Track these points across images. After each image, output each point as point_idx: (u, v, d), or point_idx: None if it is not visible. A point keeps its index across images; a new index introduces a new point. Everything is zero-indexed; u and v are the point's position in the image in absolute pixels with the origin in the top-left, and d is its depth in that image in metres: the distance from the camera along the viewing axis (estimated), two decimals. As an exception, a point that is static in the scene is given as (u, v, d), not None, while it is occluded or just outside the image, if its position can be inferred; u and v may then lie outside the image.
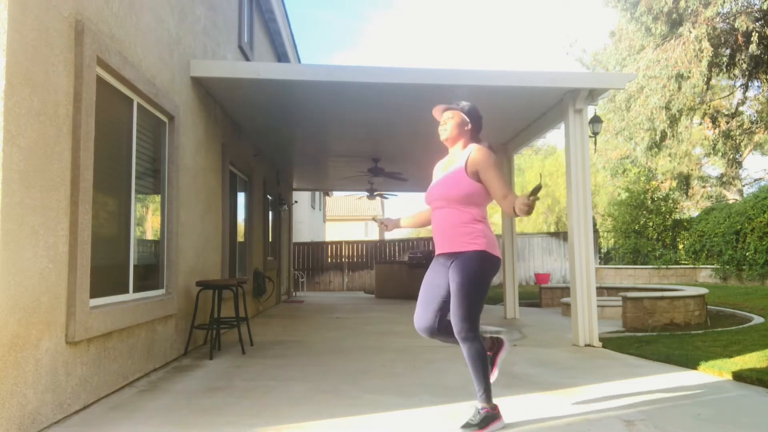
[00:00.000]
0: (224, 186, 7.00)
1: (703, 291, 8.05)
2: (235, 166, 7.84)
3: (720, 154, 20.05)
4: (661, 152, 17.46)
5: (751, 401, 3.59)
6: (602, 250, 18.69)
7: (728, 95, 19.66)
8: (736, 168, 22.72)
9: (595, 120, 11.01)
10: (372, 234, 35.05)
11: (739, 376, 4.15)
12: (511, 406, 3.45)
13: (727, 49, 14.43)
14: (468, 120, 3.17)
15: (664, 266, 15.09)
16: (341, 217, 35.45)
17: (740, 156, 22.37)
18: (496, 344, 3.33)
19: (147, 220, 4.80)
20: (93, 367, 3.56)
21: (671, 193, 18.73)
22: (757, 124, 19.55)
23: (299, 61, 12.10)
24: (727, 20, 13.96)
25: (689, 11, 13.82)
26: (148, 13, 4.52)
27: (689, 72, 13.73)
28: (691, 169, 22.79)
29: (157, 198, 4.99)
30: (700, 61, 13.54)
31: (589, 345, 5.82)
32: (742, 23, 13.03)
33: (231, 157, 7.39)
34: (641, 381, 4.18)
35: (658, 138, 15.47)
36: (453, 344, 3.20)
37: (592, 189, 19.30)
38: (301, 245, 18.94)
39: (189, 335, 5.43)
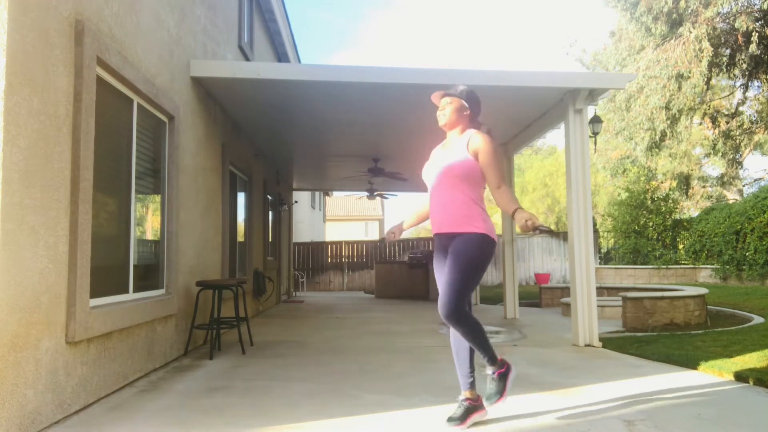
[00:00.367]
0: (224, 186, 7.00)
1: (703, 291, 8.05)
2: (235, 166, 7.84)
3: (720, 154, 20.05)
4: (661, 152, 17.45)
5: (751, 401, 3.59)
6: (602, 250, 18.69)
7: (728, 95, 19.66)
8: (736, 168, 22.72)
9: (595, 120, 11.02)
10: (372, 234, 35.06)
11: (740, 376, 4.15)
12: (511, 406, 3.44)
13: (727, 49, 14.43)
14: (467, 105, 3.17)
15: (664, 266, 15.09)
16: (341, 217, 35.46)
17: (740, 156, 22.36)
18: (507, 365, 3.22)
19: (147, 220, 4.80)
20: (93, 367, 3.56)
21: (671, 193, 18.73)
22: (757, 124, 19.55)
23: (299, 61, 12.10)
24: (727, 20, 13.97)
25: (689, 11, 13.83)
26: (148, 13, 4.52)
27: (689, 72, 13.73)
28: (691, 169, 22.79)
29: (157, 198, 4.99)
30: (700, 61, 13.55)
31: (589, 345, 5.82)
32: (742, 23, 13.03)
33: (231, 157, 7.39)
34: (641, 381, 4.17)
35: (658, 138, 15.47)
36: (461, 359, 3.15)
37: (592, 189, 19.32)
38: (301, 245, 18.94)
39: (189, 335, 5.43)
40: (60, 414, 3.17)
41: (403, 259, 17.24)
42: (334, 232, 32.29)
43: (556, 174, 31.20)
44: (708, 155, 23.26)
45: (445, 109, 3.17)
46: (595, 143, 14.32)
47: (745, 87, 16.02)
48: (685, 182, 22.37)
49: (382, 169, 10.73)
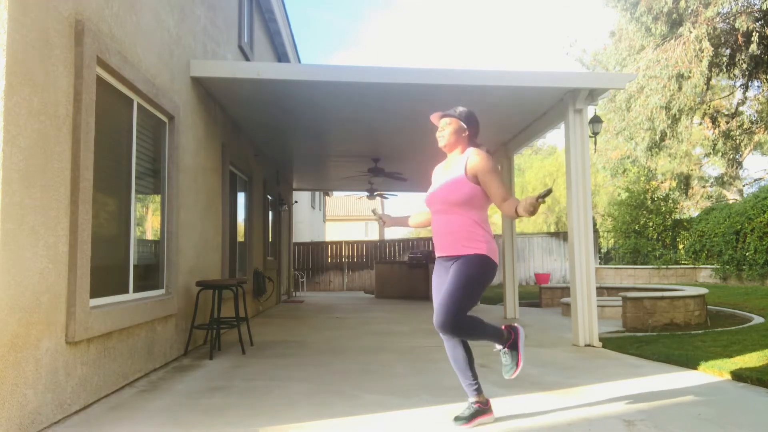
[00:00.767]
0: (224, 186, 7.00)
1: (703, 291, 8.05)
2: (235, 166, 7.84)
3: (720, 154, 20.04)
4: (661, 152, 17.45)
5: (751, 401, 3.59)
6: (602, 250, 18.69)
7: (728, 95, 19.66)
8: (736, 168, 22.72)
9: (595, 120, 11.02)
10: (372, 234, 35.06)
11: (739, 376, 4.15)
12: (511, 406, 3.45)
13: (727, 49, 14.43)
14: (465, 126, 3.19)
15: (664, 266, 15.09)
16: (341, 217, 35.46)
17: (740, 156, 22.36)
18: (514, 332, 3.24)
19: (147, 220, 4.80)
20: (93, 367, 3.56)
21: (671, 193, 18.73)
22: (757, 124, 19.55)
23: (299, 61, 12.10)
24: (727, 20, 13.96)
25: (689, 11, 13.83)
26: (148, 13, 4.52)
27: (689, 72, 13.72)
28: (691, 169, 22.79)
29: (157, 198, 4.99)
30: (701, 61, 13.54)
31: (589, 345, 5.82)
32: (742, 23, 13.03)
33: (231, 157, 7.39)
34: (641, 381, 4.17)
35: (658, 138, 15.47)
36: (461, 368, 3.17)
37: (592, 189, 19.32)
38: (301, 245, 18.94)
39: (189, 335, 5.43)
40: (60, 414, 3.17)
41: (403, 259, 17.23)
42: (334, 232, 32.29)
43: (556, 174, 31.18)
44: (708, 155, 23.26)
45: (444, 131, 3.19)
46: (595, 143, 14.32)
47: (745, 87, 16.02)
48: (685, 182, 22.37)
49: (382, 169, 10.73)
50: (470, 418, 3.07)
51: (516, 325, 3.25)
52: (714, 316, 8.23)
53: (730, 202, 19.69)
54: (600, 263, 17.90)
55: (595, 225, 19.49)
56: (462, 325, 2.95)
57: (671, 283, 13.97)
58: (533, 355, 5.35)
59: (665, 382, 4.15)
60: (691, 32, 13.69)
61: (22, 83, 2.84)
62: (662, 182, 21.66)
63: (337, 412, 3.37)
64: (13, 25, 2.77)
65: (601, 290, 9.98)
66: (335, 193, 28.88)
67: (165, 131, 5.09)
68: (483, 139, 3.37)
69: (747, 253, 13.08)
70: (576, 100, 6.10)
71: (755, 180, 25.30)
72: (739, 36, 13.60)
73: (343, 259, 19.17)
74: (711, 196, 25.04)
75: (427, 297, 13.16)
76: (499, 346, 3.20)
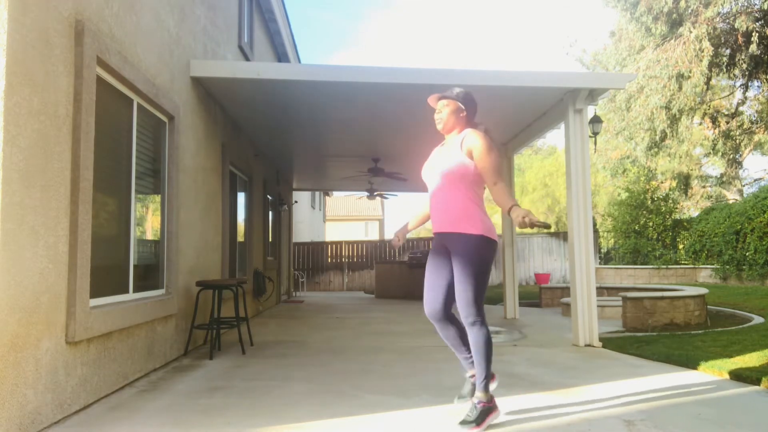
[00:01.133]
0: (224, 186, 7.00)
1: (703, 291, 8.05)
2: (235, 166, 7.84)
3: (720, 154, 20.04)
4: (661, 152, 17.45)
5: (751, 401, 3.59)
6: (602, 250, 18.69)
7: (728, 95, 19.66)
8: (736, 168, 22.72)
9: (595, 120, 11.01)
10: (372, 234, 35.07)
11: (739, 376, 4.15)
12: (511, 406, 3.45)
13: (727, 49, 14.42)
14: (463, 107, 3.20)
15: (664, 266, 15.09)
16: (341, 217, 35.46)
17: (740, 156, 22.36)
18: (493, 403, 3.14)
19: (147, 220, 4.80)
20: (93, 367, 3.56)
21: (671, 193, 18.72)
22: (757, 124, 19.55)
23: (299, 61, 12.10)
24: (727, 20, 13.96)
25: (689, 11, 13.82)
26: (148, 13, 4.52)
27: (689, 72, 13.72)
28: (691, 169, 22.79)
29: (157, 198, 4.99)
30: (701, 61, 13.54)
31: (589, 345, 5.82)
32: (742, 23, 13.03)
33: (231, 157, 7.39)
34: (641, 381, 4.17)
35: (658, 138, 15.47)
36: (453, 345, 3.24)
37: (592, 189, 19.32)
38: (301, 245, 18.94)
39: (189, 335, 5.43)
40: (60, 414, 3.17)
41: (403, 259, 17.23)
42: (334, 232, 32.30)
43: (556, 174, 31.19)
44: (708, 155, 23.27)
45: (442, 112, 3.20)
46: (595, 143, 14.32)
47: (745, 87, 16.02)
48: (685, 182, 22.37)
49: (382, 169, 10.73)
50: (479, 420, 2.96)
51: (498, 407, 3.11)
52: (714, 316, 8.23)
53: (730, 202, 19.69)
54: (600, 263, 17.90)
55: (595, 225, 19.50)
56: (484, 319, 3.04)
57: (671, 283, 13.97)
58: (533, 355, 5.35)
59: (665, 382, 4.15)
60: (691, 32, 13.69)
61: (22, 83, 2.84)
62: (662, 182, 21.66)
63: (337, 412, 3.37)
64: (13, 25, 2.77)
65: (601, 290, 9.98)
66: (335, 193, 28.89)
67: (165, 131, 5.09)
68: (479, 122, 3.37)
69: (747, 253, 13.08)
70: (576, 100, 6.10)
71: (755, 180, 25.32)
72: (739, 36, 13.60)
73: (343, 259, 19.17)
74: (711, 196, 25.04)
75: (427, 297, 13.13)
76: (476, 399, 3.03)
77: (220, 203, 6.87)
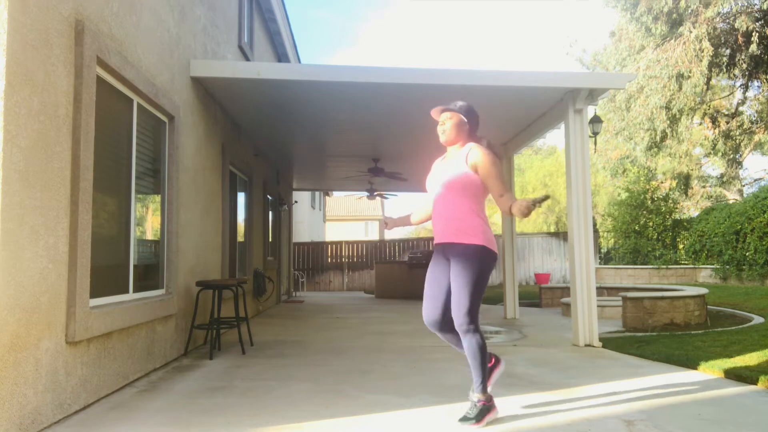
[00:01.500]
0: (224, 186, 7.00)
1: (703, 291, 8.05)
2: (235, 166, 7.84)
3: (720, 154, 20.05)
4: (661, 152, 17.46)
5: (751, 401, 3.59)
6: (602, 250, 18.68)
7: (728, 95, 19.66)
8: (736, 168, 22.73)
9: (595, 120, 11.01)
10: (372, 234, 35.07)
11: (739, 376, 4.15)
12: (511, 406, 3.45)
13: (727, 49, 14.43)
14: (465, 120, 3.25)
15: (664, 266, 15.09)
16: (341, 217, 35.47)
17: (740, 156, 22.36)
18: (496, 360, 3.39)
19: (147, 220, 4.80)
20: (93, 367, 3.56)
21: (671, 193, 18.72)
22: (757, 124, 19.55)
23: (299, 61, 12.10)
24: (728, 20, 13.97)
25: (689, 11, 13.83)
26: (148, 13, 4.52)
27: (689, 72, 13.72)
28: (691, 169, 22.77)
29: (157, 198, 4.99)
30: (701, 61, 13.54)
31: (589, 345, 5.82)
32: (742, 23, 13.03)
33: (231, 157, 7.39)
34: (641, 381, 4.17)
35: (658, 138, 15.47)
36: (456, 345, 3.28)
37: (592, 189, 19.30)
38: (301, 245, 18.94)
39: (189, 335, 5.43)
40: (60, 414, 3.17)
41: (403, 259, 17.23)
42: (334, 232, 32.30)
43: (556, 174, 31.18)
44: (708, 155, 23.26)
45: (446, 125, 3.25)
46: (595, 143, 14.32)
47: (745, 87, 16.02)
48: (685, 182, 22.36)
49: (382, 169, 10.73)
50: (479, 417, 3.06)
51: (496, 406, 3.18)
52: (714, 316, 8.23)
53: (730, 202, 19.69)
54: (600, 263, 17.90)
55: (595, 225, 19.49)
56: (478, 328, 3.08)
57: (671, 283, 13.97)
58: (533, 355, 5.35)
59: (665, 382, 4.15)
60: (691, 32, 13.69)
61: (22, 83, 2.84)
62: (662, 182, 21.65)
63: (337, 412, 3.37)
64: (13, 25, 2.77)
65: (601, 290, 9.97)
66: (335, 193, 28.89)
67: (165, 131, 5.09)
68: (481, 136, 3.43)
69: (747, 253, 13.08)
70: (576, 100, 6.10)
71: (755, 180, 25.32)
72: (739, 36, 13.60)
73: (343, 259, 19.17)
74: (711, 196, 25.03)
75: (427, 297, 13.13)
76: (475, 397, 3.10)
77: (220, 203, 6.87)
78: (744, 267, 13.20)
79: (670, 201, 17.56)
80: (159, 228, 5.00)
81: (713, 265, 14.45)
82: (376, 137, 8.73)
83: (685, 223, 17.14)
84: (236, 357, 5.23)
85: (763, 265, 12.58)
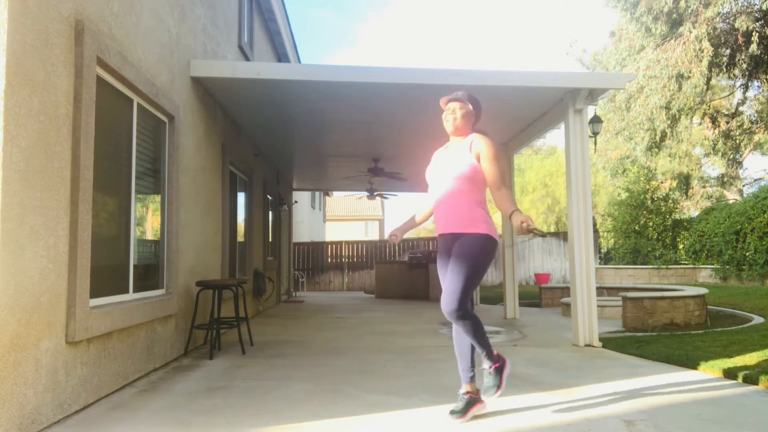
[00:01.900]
0: (224, 186, 7.00)
1: (703, 291, 8.05)
2: (235, 166, 7.84)
3: (720, 154, 20.06)
4: (661, 152, 17.45)
5: (751, 401, 3.59)
6: (602, 250, 18.68)
7: (728, 95, 19.66)
8: (736, 168, 22.72)
9: (595, 120, 11.01)
10: (372, 234, 35.07)
11: (739, 376, 4.15)
12: (511, 406, 3.45)
13: (727, 49, 14.42)
14: (473, 111, 3.32)
15: (664, 266, 15.09)
16: (341, 217, 35.46)
17: (740, 156, 22.36)
18: (502, 360, 3.37)
19: (147, 220, 4.80)
20: (93, 367, 3.56)
21: (671, 193, 18.72)
22: (757, 124, 19.55)
23: (299, 61, 12.10)
24: (728, 20, 13.96)
25: (689, 11, 13.82)
26: (148, 13, 4.52)
27: (689, 72, 13.72)
28: (691, 169, 22.78)
29: (157, 198, 4.99)
30: (701, 61, 13.54)
31: (589, 345, 5.82)
32: (742, 23, 13.03)
33: (231, 157, 7.39)
34: (641, 381, 4.17)
35: (658, 138, 15.47)
36: (462, 353, 3.29)
37: (592, 189, 19.31)
38: (301, 245, 18.94)
39: (189, 335, 5.43)
40: (60, 414, 3.17)
41: (403, 259, 17.23)
42: (334, 232, 32.30)
43: (556, 174, 31.18)
44: (708, 155, 23.27)
45: (456, 113, 3.28)
46: (595, 143, 14.32)
47: (745, 87, 16.02)
48: (685, 182, 22.37)
49: (382, 169, 10.73)
50: (464, 410, 3.15)
51: (506, 357, 3.36)
52: (714, 316, 8.23)
53: (730, 202, 19.69)
54: (600, 263, 17.90)
55: (595, 225, 19.49)
56: (468, 311, 3.08)
57: (671, 283, 13.97)
58: (533, 355, 5.35)
59: (665, 382, 4.15)
60: (691, 32, 13.69)
61: (22, 83, 2.84)
62: (662, 182, 21.66)
63: (337, 412, 3.37)
64: (13, 25, 2.77)
65: (601, 290, 9.98)
66: (335, 193, 28.88)
67: (165, 131, 5.09)
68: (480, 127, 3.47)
69: (747, 253, 13.08)
70: (576, 100, 6.10)
71: (755, 180, 25.32)
72: (739, 36, 13.60)
73: (343, 259, 19.17)
74: (711, 196, 25.04)
75: (427, 297, 13.16)
76: (487, 364, 3.26)
77: (220, 203, 6.87)
78: (744, 267, 13.20)
79: (670, 201, 17.57)
80: (159, 228, 5.00)
81: (713, 265, 14.45)
82: (376, 137, 8.73)
83: (685, 223, 17.14)
84: (236, 357, 5.23)
85: (763, 265, 12.58)
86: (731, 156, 20.81)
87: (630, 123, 15.32)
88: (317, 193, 24.31)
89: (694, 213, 22.41)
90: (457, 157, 3.18)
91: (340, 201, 36.35)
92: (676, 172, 22.09)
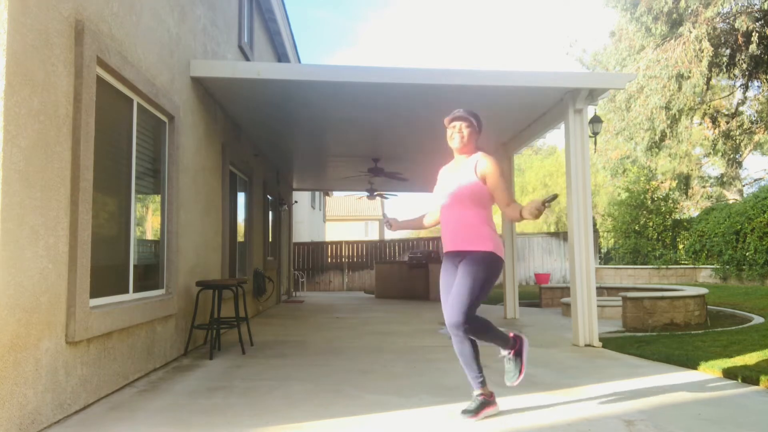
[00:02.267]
0: (224, 186, 7.00)
1: (703, 291, 8.05)
2: (235, 166, 7.84)
3: (720, 154, 20.04)
4: (661, 152, 17.45)
5: (751, 401, 3.59)
6: (602, 250, 18.68)
7: (728, 95, 19.65)
8: (736, 168, 22.71)
9: (595, 120, 11.01)
10: (372, 234, 35.06)
11: (739, 376, 4.15)
12: (511, 406, 3.45)
13: (727, 49, 14.42)
14: (478, 130, 3.36)
15: (664, 266, 15.09)
16: (341, 217, 35.45)
17: (740, 156, 22.35)
18: (519, 341, 3.43)
19: (147, 220, 4.80)
20: (93, 367, 3.56)
21: (671, 193, 18.72)
22: (757, 124, 19.54)
23: (299, 61, 12.09)
24: (727, 20, 13.96)
25: (689, 11, 13.82)
26: (148, 13, 4.52)
27: (689, 72, 13.72)
28: (691, 169, 22.78)
29: (157, 198, 4.99)
30: (701, 61, 13.54)
31: (589, 345, 5.81)
32: (742, 23, 13.02)
33: (231, 157, 7.39)
34: (641, 381, 4.17)
35: (658, 138, 15.47)
36: (467, 362, 3.25)
37: (592, 189, 19.31)
38: (301, 245, 18.93)
39: (189, 335, 5.43)
40: (60, 414, 3.17)
41: (403, 259, 17.23)
42: (334, 232, 32.29)
43: (556, 174, 31.20)
44: (708, 155, 23.26)
45: (463, 132, 3.31)
46: (595, 143, 14.32)
47: (745, 87, 16.01)
48: (685, 182, 22.36)
49: (382, 169, 10.73)
50: (477, 410, 3.19)
51: (522, 334, 3.42)
52: (714, 316, 8.22)
53: (730, 202, 19.69)
54: (600, 263, 17.90)
55: (595, 225, 19.49)
56: (474, 323, 3.11)
57: (671, 283, 13.97)
58: (533, 355, 5.34)
59: (665, 382, 4.15)
60: (691, 32, 13.69)
61: (22, 83, 2.84)
62: (662, 182, 21.66)
63: (337, 412, 3.37)
64: (13, 25, 2.77)
65: (601, 290, 9.97)
66: (335, 193, 28.88)
67: (165, 131, 5.09)
68: (482, 138, 3.52)
69: (747, 253, 13.08)
70: (576, 100, 6.10)
71: (755, 180, 25.32)
72: (739, 36, 13.59)
73: (343, 259, 19.17)
74: (711, 196, 25.03)
75: (427, 297, 13.16)
76: (504, 352, 3.34)
77: (220, 203, 6.87)
78: (744, 267, 13.20)
79: (670, 201, 17.56)
80: (159, 228, 5.00)
81: (713, 265, 14.45)
82: (376, 137, 8.73)
83: (685, 223, 17.14)
84: (236, 357, 5.23)
85: (763, 265, 12.58)
86: (731, 156, 20.79)
87: (630, 123, 15.32)
88: (317, 193, 24.31)
89: (694, 213, 22.41)
90: (462, 177, 3.23)
91: (340, 201, 36.34)
92: (676, 172, 22.09)
